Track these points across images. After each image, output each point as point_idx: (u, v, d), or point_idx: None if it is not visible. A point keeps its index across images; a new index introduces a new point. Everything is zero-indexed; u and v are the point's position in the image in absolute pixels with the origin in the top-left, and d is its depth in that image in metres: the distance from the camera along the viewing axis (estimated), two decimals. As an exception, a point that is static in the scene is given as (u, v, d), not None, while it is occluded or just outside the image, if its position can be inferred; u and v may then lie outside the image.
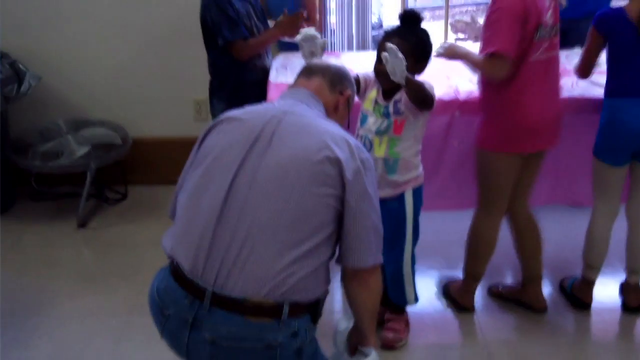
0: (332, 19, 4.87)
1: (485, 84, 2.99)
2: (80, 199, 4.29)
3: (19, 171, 4.45)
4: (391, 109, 2.80)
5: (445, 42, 2.98)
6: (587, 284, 3.31)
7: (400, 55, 2.56)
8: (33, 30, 4.58)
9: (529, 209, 3.22)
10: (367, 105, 2.88)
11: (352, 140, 2.12)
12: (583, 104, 3.28)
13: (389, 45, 2.59)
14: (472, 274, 3.27)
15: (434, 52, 2.91)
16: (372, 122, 2.84)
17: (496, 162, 3.02)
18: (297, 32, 3.47)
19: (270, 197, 1.99)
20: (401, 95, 2.77)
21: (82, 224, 4.29)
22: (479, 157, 3.08)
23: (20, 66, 4.34)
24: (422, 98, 2.72)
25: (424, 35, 2.84)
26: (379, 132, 2.82)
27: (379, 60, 2.79)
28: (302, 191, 1.99)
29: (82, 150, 4.32)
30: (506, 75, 2.82)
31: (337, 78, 2.37)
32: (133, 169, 4.75)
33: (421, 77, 2.85)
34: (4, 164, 4.38)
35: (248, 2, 3.58)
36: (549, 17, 2.89)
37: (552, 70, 3.00)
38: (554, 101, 3.02)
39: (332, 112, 2.33)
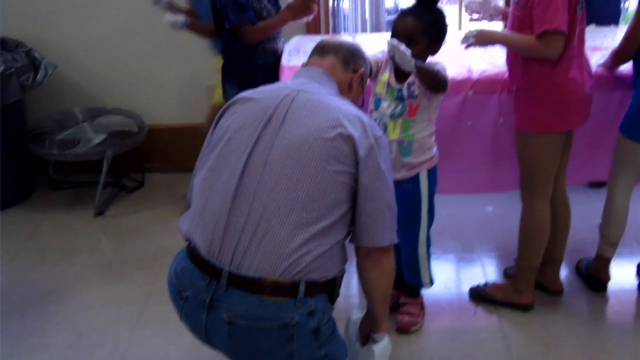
0: (345, 4, 4.84)
1: (529, 64, 2.88)
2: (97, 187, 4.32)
3: (37, 160, 4.48)
4: (405, 92, 2.78)
5: (471, 30, 2.87)
6: (604, 262, 3.29)
7: (403, 47, 2.55)
8: (48, 19, 4.60)
9: (565, 189, 3.18)
10: (380, 88, 2.87)
11: (365, 117, 2.13)
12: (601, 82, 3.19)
13: (389, 41, 2.60)
14: (531, 265, 3.16)
15: (462, 44, 2.86)
16: (386, 105, 2.83)
17: (546, 143, 2.95)
18: (308, 15, 3.46)
19: (284, 176, 2.01)
20: (415, 78, 2.74)
21: (100, 212, 4.32)
22: (525, 141, 2.99)
23: (36, 55, 4.36)
24: (435, 83, 2.70)
25: (440, 15, 2.80)
26: (394, 116, 2.80)
27: (394, 38, 2.75)
28: (316, 169, 2.00)
29: (98, 138, 4.35)
30: (560, 52, 2.76)
31: (351, 56, 2.37)
32: (149, 157, 4.77)
33: (434, 58, 2.84)
34: (22, 152, 4.42)
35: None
36: None
37: (583, 44, 2.95)
38: (589, 74, 2.98)
39: (346, 90, 2.34)
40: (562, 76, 2.84)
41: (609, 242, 3.23)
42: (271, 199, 1.99)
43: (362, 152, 2.04)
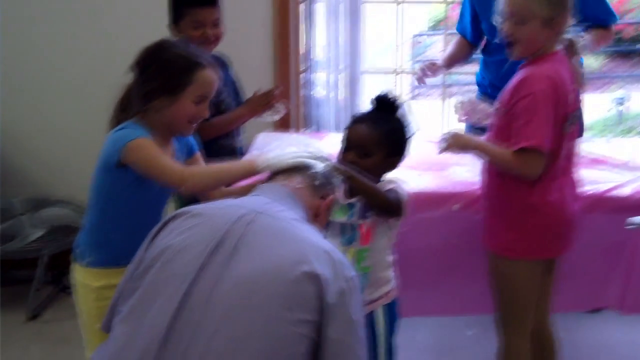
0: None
1: (504, 179, 2.59)
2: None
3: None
4: (357, 209, 2.39)
5: (446, 132, 2.60)
6: None
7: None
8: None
9: (550, 324, 2.85)
10: None
11: (335, 253, 1.77)
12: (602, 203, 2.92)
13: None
14: None
15: (437, 149, 2.56)
16: (337, 229, 2.42)
17: (521, 271, 2.63)
18: (267, 110, 3.20)
19: (230, 320, 1.62)
20: None
21: (33, 316, 3.93)
22: (497, 265, 2.68)
23: (-26, 137, 4.06)
24: (383, 206, 2.33)
25: (399, 125, 2.45)
26: (343, 243, 2.40)
27: (346, 148, 2.42)
28: (270, 315, 1.62)
29: (35, 234, 4.02)
30: (539, 172, 2.48)
31: (323, 180, 2.09)
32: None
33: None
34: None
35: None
36: (571, 103, 2.56)
37: (571, 163, 2.67)
38: (574, 197, 2.68)
39: (311, 218, 2.01)
40: (539, 197, 2.54)
41: None
42: (210, 349, 1.59)
43: (329, 298, 1.66)
